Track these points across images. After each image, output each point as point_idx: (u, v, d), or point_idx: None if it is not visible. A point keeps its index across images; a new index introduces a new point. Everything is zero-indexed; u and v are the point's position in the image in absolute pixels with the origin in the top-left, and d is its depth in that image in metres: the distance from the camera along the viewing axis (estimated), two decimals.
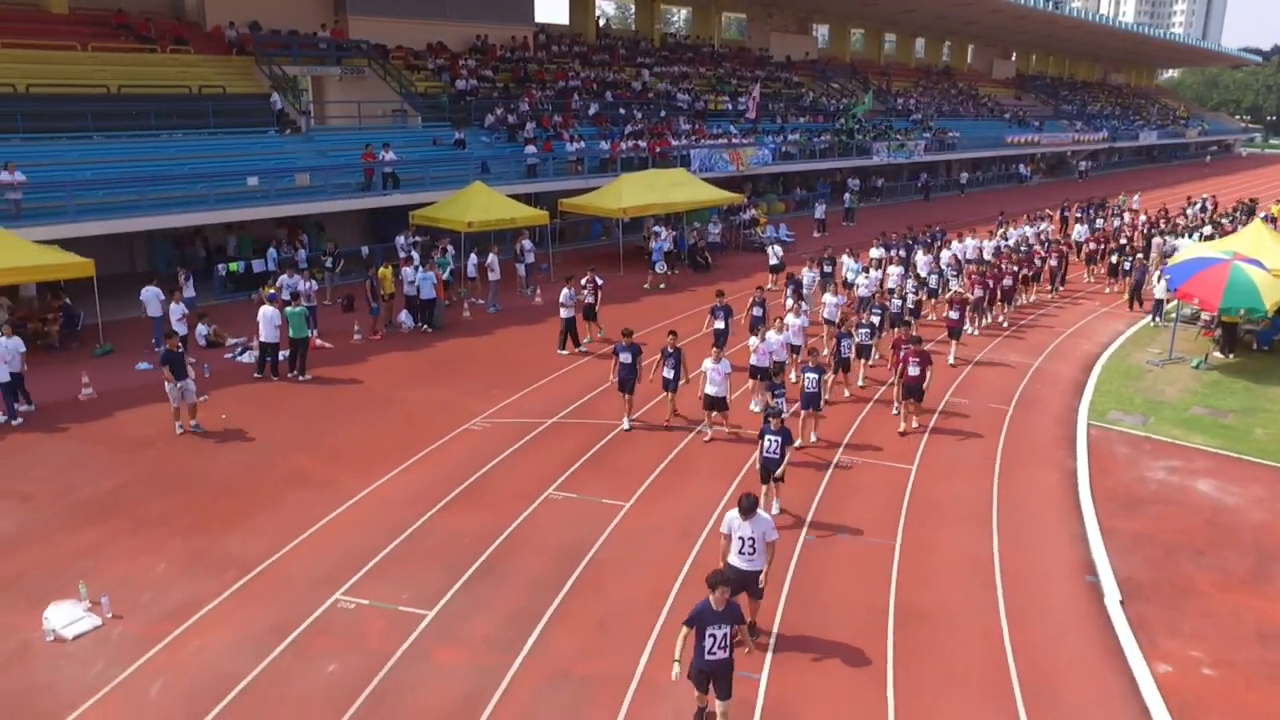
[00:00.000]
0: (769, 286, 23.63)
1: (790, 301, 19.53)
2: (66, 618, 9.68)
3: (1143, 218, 37.13)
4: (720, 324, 18.08)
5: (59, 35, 28.27)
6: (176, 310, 18.29)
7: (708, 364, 14.71)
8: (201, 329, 19.93)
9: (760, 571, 9.29)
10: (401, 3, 37.15)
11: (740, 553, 9.19)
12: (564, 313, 19.83)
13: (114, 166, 24.37)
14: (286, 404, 16.70)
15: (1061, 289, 28.03)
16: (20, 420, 15.40)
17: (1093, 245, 29.98)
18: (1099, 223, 35.98)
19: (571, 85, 41.10)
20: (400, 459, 14.09)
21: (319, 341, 19.97)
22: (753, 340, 16.51)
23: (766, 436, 12.00)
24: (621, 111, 40.32)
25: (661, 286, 27.05)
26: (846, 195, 43.03)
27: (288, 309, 17.91)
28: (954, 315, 19.87)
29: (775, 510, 12.40)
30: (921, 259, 25.17)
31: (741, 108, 45.73)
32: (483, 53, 40.17)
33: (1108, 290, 27.91)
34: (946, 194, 54.11)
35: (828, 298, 20.27)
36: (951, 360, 19.74)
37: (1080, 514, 12.89)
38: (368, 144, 28.01)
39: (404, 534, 11.76)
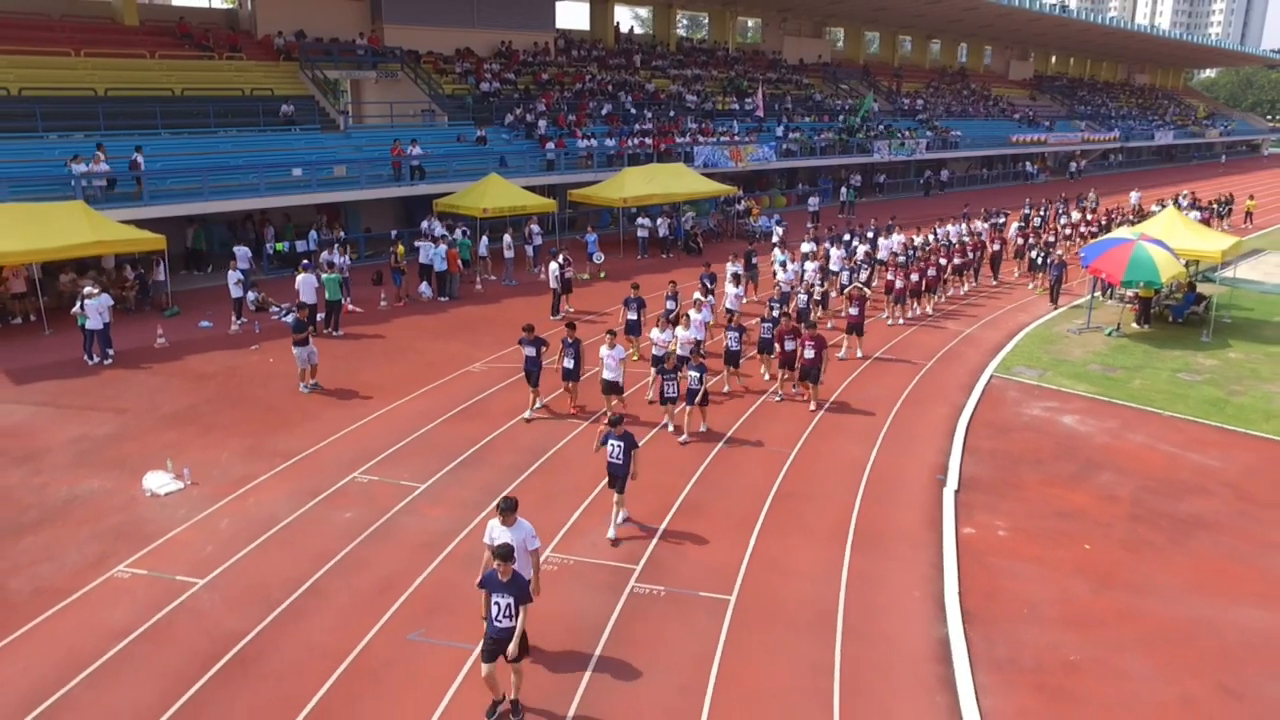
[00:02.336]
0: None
1: (698, 295, 19.36)
2: (159, 482, 13.21)
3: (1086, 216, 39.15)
4: (632, 315, 18.97)
5: (131, 45, 32.32)
6: (233, 276, 21.94)
7: (604, 351, 15.37)
8: (251, 295, 23.55)
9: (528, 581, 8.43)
10: (433, 12, 40.89)
11: None
12: (553, 283, 23.20)
13: (179, 159, 28.26)
14: (323, 351, 19.94)
15: (994, 282, 28.91)
16: (110, 361, 19.10)
17: (1021, 241, 31.70)
18: (1037, 220, 37.23)
19: (587, 87, 44.44)
20: (413, 389, 17.57)
21: (351, 307, 23.52)
22: (654, 331, 17.01)
23: (610, 442, 11.59)
24: (633, 111, 43.57)
25: (602, 275, 28.66)
26: (843, 189, 45.94)
27: (324, 276, 21.46)
28: (854, 311, 19.87)
29: (621, 518, 12.06)
30: (835, 254, 25.52)
31: (749, 107, 48.79)
32: (506, 57, 43.68)
33: (1030, 286, 28.42)
34: (953, 189, 56.59)
35: (729, 288, 20.67)
36: (842, 355, 20.05)
37: (954, 436, 15.95)
38: (396, 140, 31.59)
39: (410, 436, 15.19)
